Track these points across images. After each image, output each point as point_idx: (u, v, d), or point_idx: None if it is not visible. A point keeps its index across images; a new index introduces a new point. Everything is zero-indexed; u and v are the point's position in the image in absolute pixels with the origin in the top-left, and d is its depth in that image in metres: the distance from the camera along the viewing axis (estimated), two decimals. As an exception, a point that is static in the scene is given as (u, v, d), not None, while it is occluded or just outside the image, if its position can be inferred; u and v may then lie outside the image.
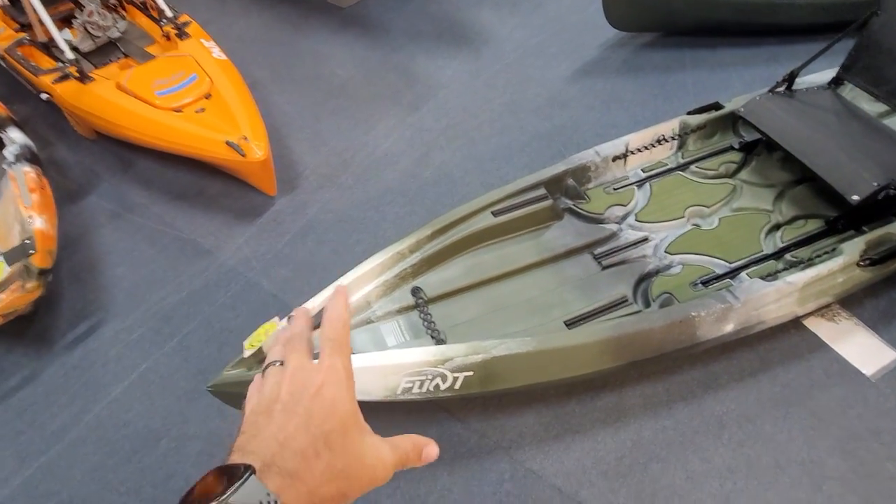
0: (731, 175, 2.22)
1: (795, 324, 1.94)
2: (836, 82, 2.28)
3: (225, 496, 0.39)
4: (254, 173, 2.40)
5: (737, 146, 2.27)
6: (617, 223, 2.07)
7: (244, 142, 2.30)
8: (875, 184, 1.82)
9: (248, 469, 0.41)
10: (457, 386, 1.55)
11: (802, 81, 2.37)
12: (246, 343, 1.61)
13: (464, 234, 1.90)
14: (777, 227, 2.04)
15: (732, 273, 1.88)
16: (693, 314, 1.63)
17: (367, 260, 1.77)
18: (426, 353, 1.51)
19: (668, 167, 2.24)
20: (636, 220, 2.07)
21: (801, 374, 1.83)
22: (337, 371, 0.51)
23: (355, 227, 2.43)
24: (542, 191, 2.03)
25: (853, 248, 1.77)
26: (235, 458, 0.44)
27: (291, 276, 2.26)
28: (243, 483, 0.40)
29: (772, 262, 1.91)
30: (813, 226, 2.02)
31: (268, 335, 1.58)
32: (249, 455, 0.44)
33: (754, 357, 1.88)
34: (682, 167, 2.24)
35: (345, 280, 1.72)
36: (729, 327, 1.69)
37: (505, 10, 3.65)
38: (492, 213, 1.96)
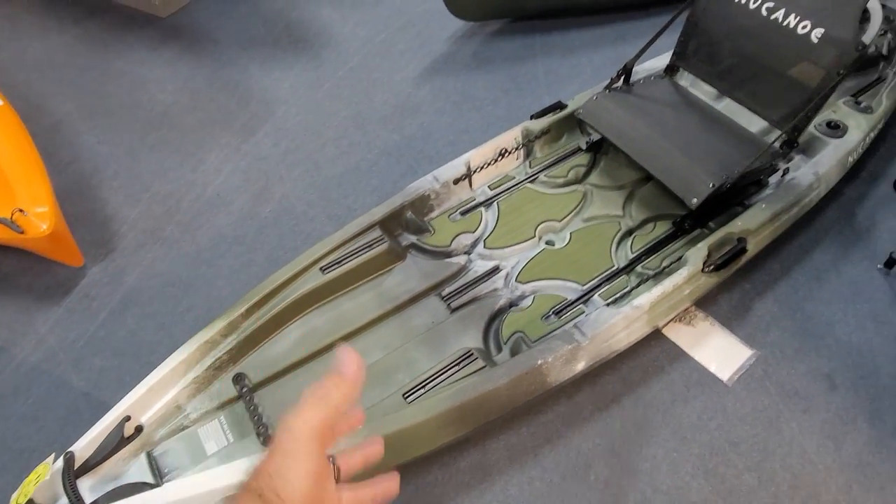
0: (581, 180, 2.12)
1: (655, 333, 1.88)
2: (671, 70, 2.20)
3: None
4: (43, 249, 2.01)
5: (584, 147, 2.17)
6: (466, 253, 1.91)
7: (21, 215, 1.90)
8: (711, 185, 1.75)
9: None
10: (283, 499, 1.33)
11: (642, 69, 2.28)
12: (13, 499, 1.30)
13: (289, 302, 1.66)
14: (629, 233, 1.96)
15: (585, 297, 1.77)
16: (539, 362, 1.49)
17: (167, 360, 1.49)
18: (238, 470, 1.28)
19: (516, 181, 2.09)
20: (485, 247, 1.91)
21: (662, 391, 1.78)
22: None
23: (185, 291, 2.11)
24: (377, 232, 1.82)
25: (696, 256, 1.71)
26: None
27: (108, 365, 1.93)
28: None
29: (623, 277, 1.83)
30: (662, 228, 1.95)
31: (39, 482, 1.29)
32: None
33: (616, 379, 1.80)
34: (531, 178, 2.10)
35: (139, 391, 1.44)
36: (580, 366, 1.58)
37: (346, 4, 3.34)
38: (320, 269, 1.73)
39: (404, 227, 1.92)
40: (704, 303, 1.96)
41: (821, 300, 1.97)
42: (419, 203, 1.94)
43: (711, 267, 1.72)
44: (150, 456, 1.43)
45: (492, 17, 3.08)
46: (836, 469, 1.61)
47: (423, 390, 1.50)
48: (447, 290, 1.80)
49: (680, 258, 1.75)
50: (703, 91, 2.19)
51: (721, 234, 1.76)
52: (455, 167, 1.99)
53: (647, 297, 1.63)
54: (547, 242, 1.94)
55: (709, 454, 1.65)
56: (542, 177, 2.10)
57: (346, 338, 1.69)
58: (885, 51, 2.42)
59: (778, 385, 1.78)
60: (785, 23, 1.78)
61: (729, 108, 2.08)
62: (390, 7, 3.30)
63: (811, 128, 2.09)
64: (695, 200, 1.76)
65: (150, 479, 1.38)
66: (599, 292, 1.78)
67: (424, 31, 3.14)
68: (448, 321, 1.73)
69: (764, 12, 1.82)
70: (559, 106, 2.19)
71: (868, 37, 1.62)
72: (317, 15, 3.28)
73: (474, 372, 1.53)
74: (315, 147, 2.59)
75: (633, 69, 2.19)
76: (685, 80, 2.25)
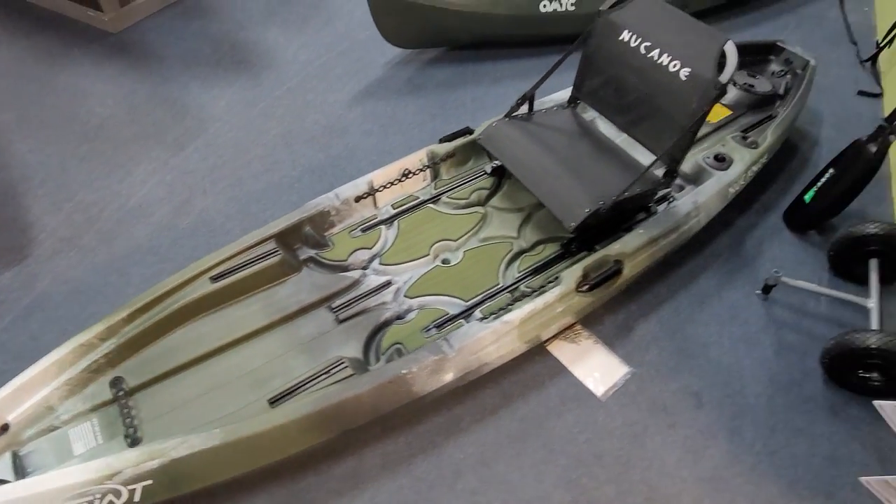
0: (484, 202, 2.21)
1: (539, 350, 1.96)
2: (573, 101, 2.33)
3: None
4: (-51, 252, 2.06)
5: (489, 171, 2.27)
6: (363, 268, 1.99)
7: (-73, 218, 1.95)
8: (586, 210, 1.86)
9: None
10: (136, 499, 1.37)
11: (550, 100, 2.41)
12: None
13: (174, 308, 1.72)
14: (520, 253, 2.05)
15: (466, 312, 1.85)
16: (403, 372, 1.56)
17: (38, 361, 1.54)
18: (87, 469, 1.32)
19: (419, 200, 2.18)
20: (381, 263, 1.99)
21: (538, 405, 1.85)
22: None
23: (92, 298, 2.16)
24: (271, 245, 1.89)
25: (570, 276, 1.80)
26: None
27: (5, 368, 1.94)
28: None
29: (506, 294, 1.91)
30: (551, 250, 2.05)
31: None
32: None
33: (497, 393, 1.87)
34: (434, 199, 2.20)
35: (5, 391, 1.48)
36: (448, 377, 1.65)
37: (293, 28, 3.47)
38: (210, 278, 1.79)
39: (303, 241, 2.00)
40: (590, 322, 2.05)
41: (700, 322, 2.06)
42: (319, 218, 2.02)
43: (586, 287, 1.82)
44: (15, 455, 1.46)
45: (425, 46, 3.21)
46: (691, 482, 1.68)
47: (290, 396, 1.56)
48: (337, 302, 1.87)
49: (556, 278, 1.84)
50: (606, 122, 2.31)
51: (598, 257, 1.86)
52: (357, 185, 2.08)
53: (517, 314, 1.71)
54: (443, 261, 2.03)
55: (574, 466, 1.72)
56: (444, 198, 2.20)
57: (231, 345, 1.75)
58: (781, 91, 2.59)
59: (649, 401, 1.86)
60: (660, 61, 1.91)
61: (629, 139, 2.20)
62: (334, 32, 3.43)
63: (700, 160, 2.22)
64: (572, 224, 1.86)
65: (10, 477, 1.42)
66: (481, 308, 1.86)
67: (364, 56, 3.26)
68: (333, 331, 1.80)
69: (643, 51, 1.96)
70: (467, 131, 2.30)
71: (724, 77, 1.75)
72: (262, 37, 3.39)
73: (342, 379, 1.59)
74: (241, 164, 2.67)
75: (543, 99, 2.32)
76: (591, 111, 2.37)
